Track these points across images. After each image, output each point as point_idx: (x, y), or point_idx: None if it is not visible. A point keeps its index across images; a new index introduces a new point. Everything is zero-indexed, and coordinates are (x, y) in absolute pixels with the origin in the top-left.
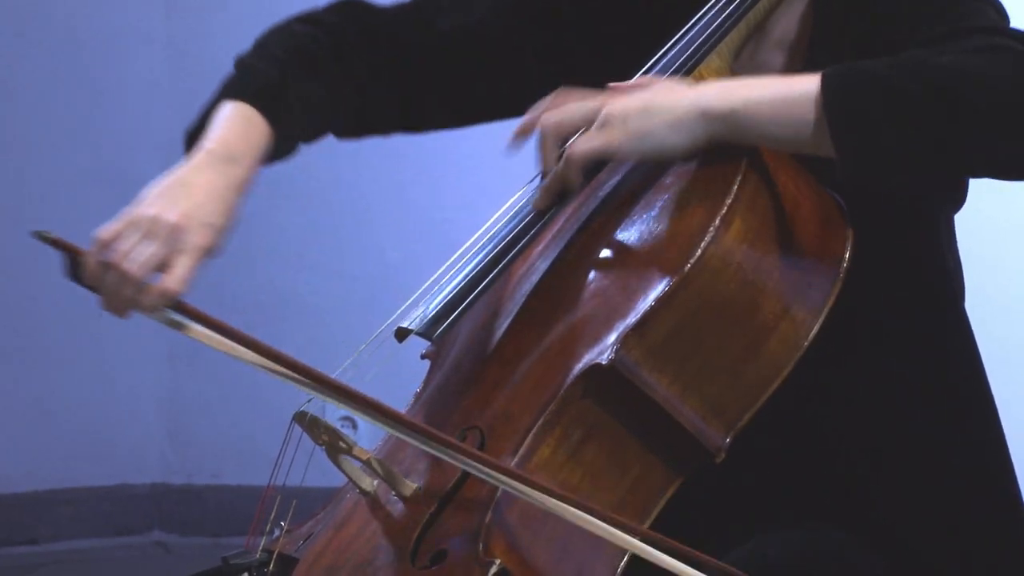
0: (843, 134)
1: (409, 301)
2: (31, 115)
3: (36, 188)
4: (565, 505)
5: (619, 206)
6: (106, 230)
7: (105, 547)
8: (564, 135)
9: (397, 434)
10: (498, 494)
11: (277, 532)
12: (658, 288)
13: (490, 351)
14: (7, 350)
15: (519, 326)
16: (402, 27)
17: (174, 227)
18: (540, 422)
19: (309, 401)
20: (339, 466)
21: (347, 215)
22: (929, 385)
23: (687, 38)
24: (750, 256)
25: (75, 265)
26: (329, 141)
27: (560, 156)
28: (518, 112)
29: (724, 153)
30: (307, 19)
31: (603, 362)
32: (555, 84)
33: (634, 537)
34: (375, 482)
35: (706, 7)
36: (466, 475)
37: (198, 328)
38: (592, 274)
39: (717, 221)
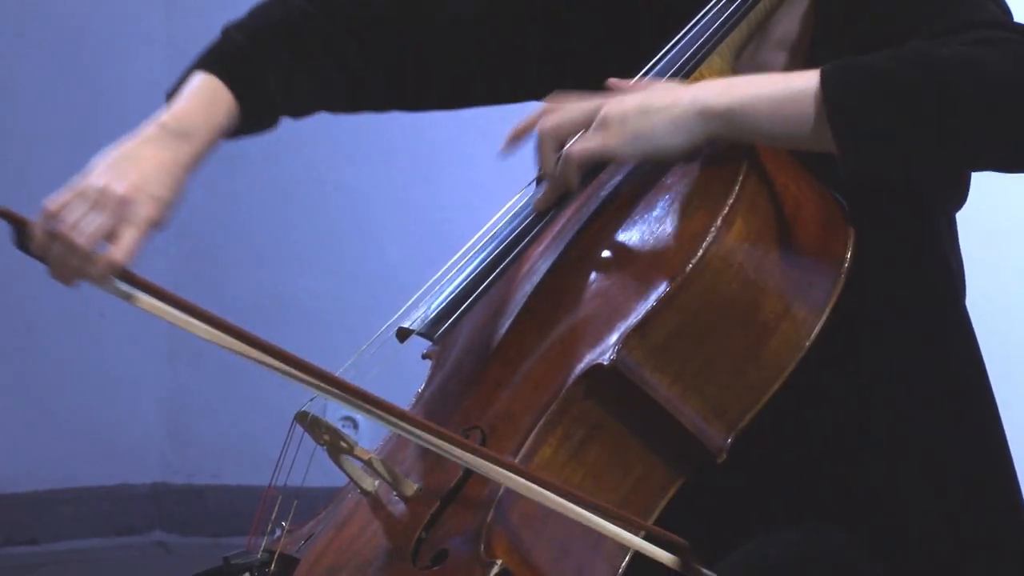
0: (844, 128)
1: (410, 301)
2: (31, 115)
3: (36, 188)
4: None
5: (620, 207)
6: (53, 200)
7: (106, 547)
8: (562, 137)
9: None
10: (500, 494)
11: (278, 532)
12: (659, 288)
13: (491, 351)
14: (7, 350)
15: (520, 326)
16: (403, 10)
17: (122, 199)
18: (542, 422)
19: (312, 400)
20: (340, 466)
21: (347, 215)
22: (930, 385)
23: (688, 38)
24: (752, 256)
25: (22, 235)
26: (329, 141)
27: (559, 158)
28: (515, 100)
29: (725, 153)
30: None
31: (604, 362)
32: (555, 84)
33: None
34: (376, 482)
35: (707, 7)
36: (467, 475)
37: (146, 299)
38: (593, 274)
39: (719, 221)
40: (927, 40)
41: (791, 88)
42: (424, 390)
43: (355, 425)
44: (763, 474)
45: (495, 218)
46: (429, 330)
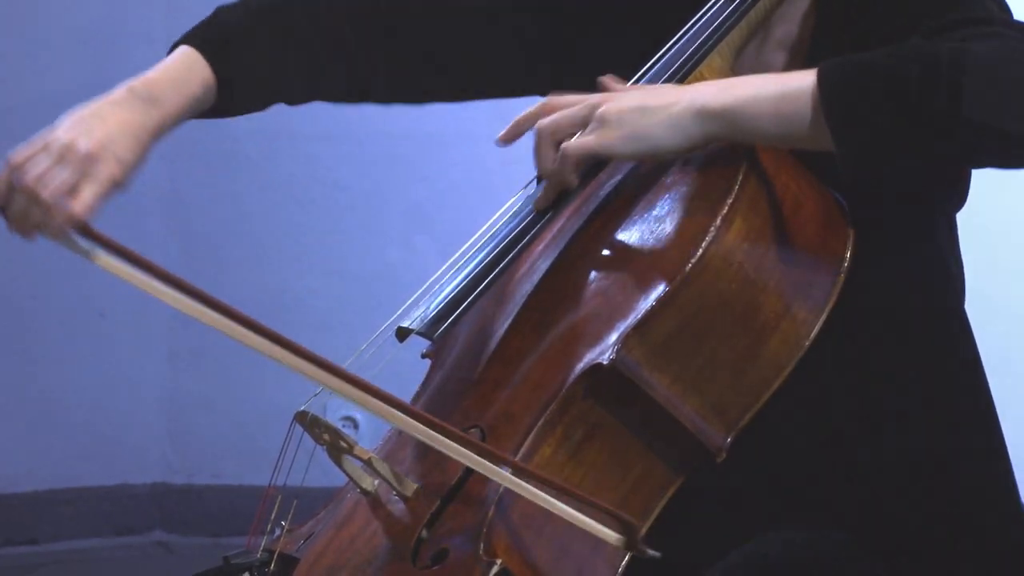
0: (841, 125)
1: (410, 301)
2: (32, 115)
3: None
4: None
5: (620, 206)
6: (18, 153)
7: (106, 547)
8: (560, 136)
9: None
10: (500, 492)
11: (278, 532)
12: (659, 288)
13: (491, 351)
14: (8, 350)
15: (520, 326)
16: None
17: (87, 155)
18: (541, 422)
19: (316, 395)
20: (340, 466)
21: (348, 215)
22: (929, 386)
23: (688, 37)
24: (751, 256)
25: None
26: (329, 141)
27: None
28: (521, 94)
29: (725, 153)
30: None
31: (604, 362)
32: (561, 78)
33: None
34: (376, 482)
35: (707, 6)
36: (467, 474)
37: (106, 257)
38: (593, 274)
39: (718, 221)
40: (925, 38)
41: (788, 87)
42: (423, 389)
43: (355, 425)
44: (763, 474)
45: (494, 217)
46: (428, 329)
